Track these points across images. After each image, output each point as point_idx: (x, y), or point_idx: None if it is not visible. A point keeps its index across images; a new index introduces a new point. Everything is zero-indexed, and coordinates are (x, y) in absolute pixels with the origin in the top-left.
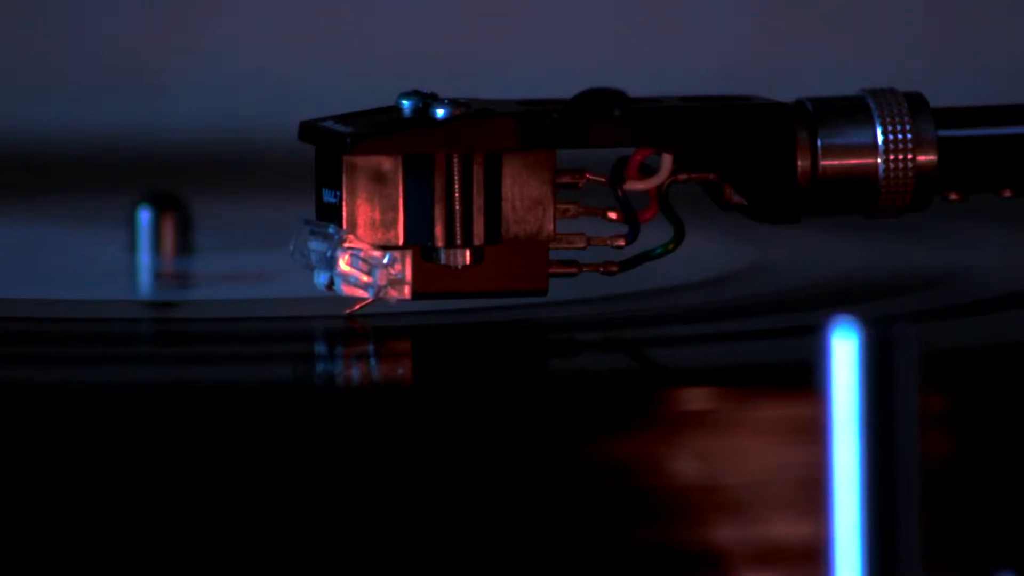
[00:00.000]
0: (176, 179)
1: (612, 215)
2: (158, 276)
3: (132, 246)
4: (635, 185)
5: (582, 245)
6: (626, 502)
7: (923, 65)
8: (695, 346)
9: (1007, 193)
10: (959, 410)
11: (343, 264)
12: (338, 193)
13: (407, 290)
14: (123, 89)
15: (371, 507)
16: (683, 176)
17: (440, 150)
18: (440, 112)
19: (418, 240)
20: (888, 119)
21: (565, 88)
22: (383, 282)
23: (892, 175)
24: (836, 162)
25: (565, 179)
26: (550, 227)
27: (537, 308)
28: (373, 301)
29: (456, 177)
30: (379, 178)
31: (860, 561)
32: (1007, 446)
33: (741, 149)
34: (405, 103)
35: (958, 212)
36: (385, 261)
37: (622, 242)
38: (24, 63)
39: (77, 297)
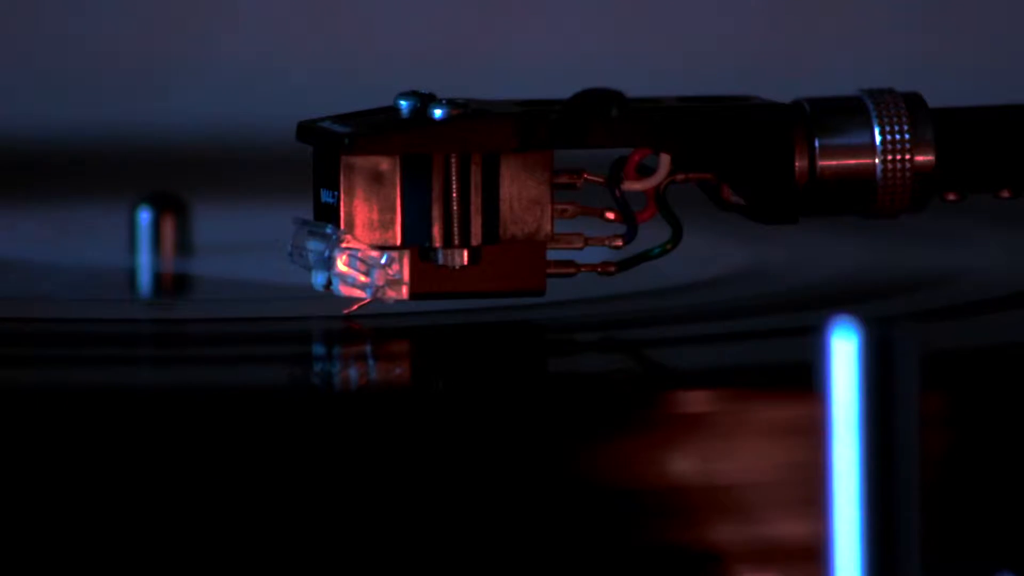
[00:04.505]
0: (176, 179)
1: (610, 215)
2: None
3: (132, 247)
4: (633, 185)
5: (580, 245)
6: (626, 502)
7: (923, 65)
8: (695, 347)
9: (1005, 193)
10: (959, 410)
11: (341, 264)
12: (336, 193)
13: (405, 290)
14: (123, 89)
15: (371, 508)
16: (681, 176)
17: (438, 150)
18: (438, 112)
19: (416, 240)
20: (886, 119)
21: (563, 88)
22: (381, 282)
23: (890, 175)
24: (834, 162)
25: (563, 179)
26: (548, 227)
27: (535, 309)
28: (371, 301)
29: (454, 177)
30: (377, 178)
31: (860, 561)
32: (1007, 446)
33: (739, 149)
34: (403, 103)
35: (958, 212)
36: (383, 261)
37: (620, 242)
38: (24, 63)
39: (77, 298)
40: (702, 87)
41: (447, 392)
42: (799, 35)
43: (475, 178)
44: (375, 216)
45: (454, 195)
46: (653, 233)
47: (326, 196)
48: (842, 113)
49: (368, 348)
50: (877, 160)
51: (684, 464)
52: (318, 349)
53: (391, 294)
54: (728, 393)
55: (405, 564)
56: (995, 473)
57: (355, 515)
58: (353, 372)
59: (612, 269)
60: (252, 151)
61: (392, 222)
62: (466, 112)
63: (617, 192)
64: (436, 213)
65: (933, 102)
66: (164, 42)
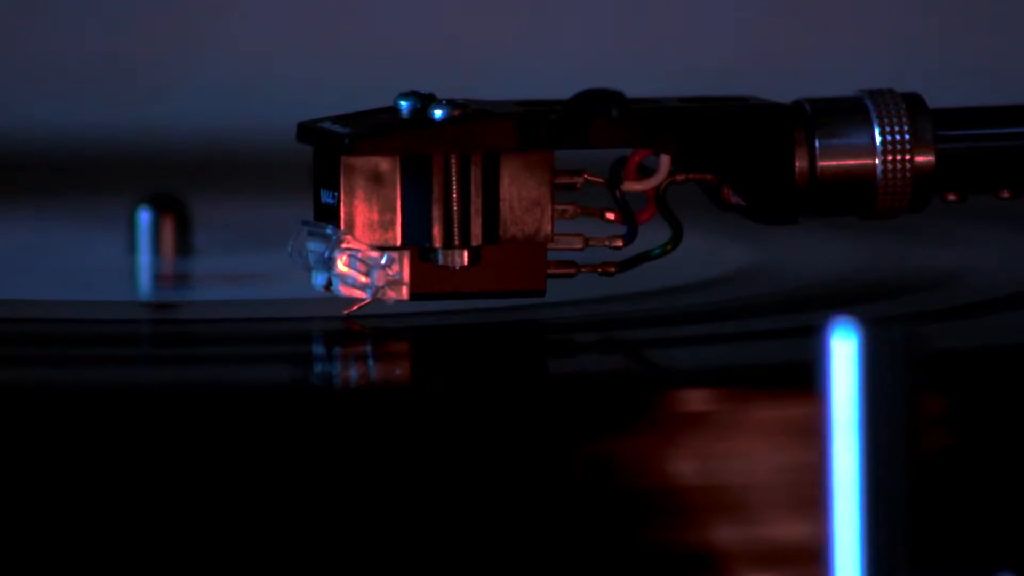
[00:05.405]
0: (176, 179)
1: (610, 216)
2: (159, 278)
3: (132, 247)
4: (633, 186)
5: (580, 246)
6: (626, 502)
7: (923, 65)
8: (694, 347)
9: (1005, 194)
10: (959, 410)
11: (341, 265)
12: (336, 194)
13: (405, 291)
14: (123, 89)
15: (370, 508)
16: (681, 177)
17: (438, 151)
18: (438, 113)
19: (416, 241)
20: (886, 120)
21: (564, 88)
22: (381, 283)
23: (890, 176)
24: (834, 163)
25: (563, 180)
26: (548, 228)
27: (535, 309)
28: (371, 302)
29: (454, 178)
30: (377, 179)
31: (860, 561)
32: (1007, 446)
33: (739, 150)
34: (403, 104)
35: (958, 212)
36: (383, 262)
37: (620, 243)
38: (24, 63)
39: (77, 297)
40: (702, 87)
41: (447, 392)
42: (799, 35)
43: (475, 178)
44: (375, 216)
45: (454, 196)
46: (653, 233)
47: (326, 196)
48: (842, 113)
49: (368, 348)
50: (877, 160)
51: (684, 464)
52: (318, 349)
53: (391, 295)
54: (728, 393)
55: (405, 564)
56: (995, 473)
57: (355, 514)
58: (353, 372)
59: (612, 270)
60: (252, 152)
61: (392, 222)
62: (466, 113)
63: (617, 192)
64: (436, 214)
65: (933, 102)
66: (164, 42)
